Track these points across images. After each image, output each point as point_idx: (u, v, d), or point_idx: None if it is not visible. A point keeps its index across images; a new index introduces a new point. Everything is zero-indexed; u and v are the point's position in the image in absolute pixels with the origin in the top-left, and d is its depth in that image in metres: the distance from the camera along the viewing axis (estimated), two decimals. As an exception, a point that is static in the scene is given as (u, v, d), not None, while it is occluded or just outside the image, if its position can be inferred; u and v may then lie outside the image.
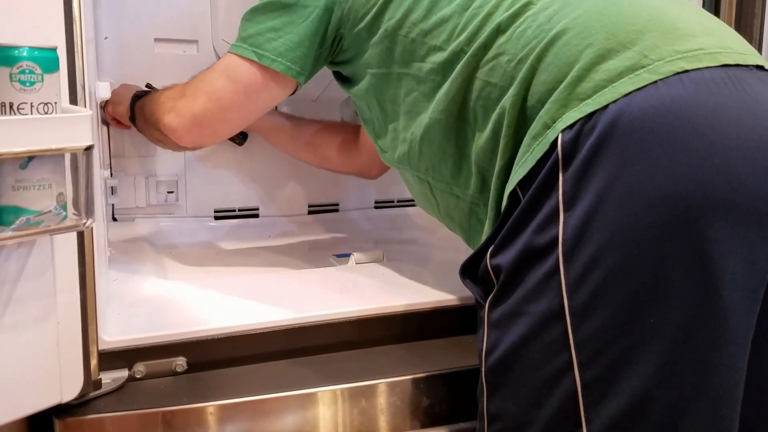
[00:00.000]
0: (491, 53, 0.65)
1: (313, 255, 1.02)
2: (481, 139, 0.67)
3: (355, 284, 0.86)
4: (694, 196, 0.53)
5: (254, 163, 1.15)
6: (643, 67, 0.56)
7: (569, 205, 0.55)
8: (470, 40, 0.67)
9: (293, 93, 0.83)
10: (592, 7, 0.61)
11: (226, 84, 0.79)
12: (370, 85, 0.79)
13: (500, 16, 0.66)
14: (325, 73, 1.13)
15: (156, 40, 1.06)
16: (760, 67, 0.59)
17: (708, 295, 0.53)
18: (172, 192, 1.10)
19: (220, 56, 1.07)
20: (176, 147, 0.86)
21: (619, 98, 0.55)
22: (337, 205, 1.21)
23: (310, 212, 1.19)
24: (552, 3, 0.64)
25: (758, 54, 0.62)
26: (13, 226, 0.49)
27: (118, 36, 1.04)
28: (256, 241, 1.08)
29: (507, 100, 0.63)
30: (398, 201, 1.25)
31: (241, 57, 0.78)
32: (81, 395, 0.63)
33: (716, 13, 1.04)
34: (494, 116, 0.65)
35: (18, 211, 0.49)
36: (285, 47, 0.77)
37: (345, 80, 0.85)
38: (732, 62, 0.57)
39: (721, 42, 0.59)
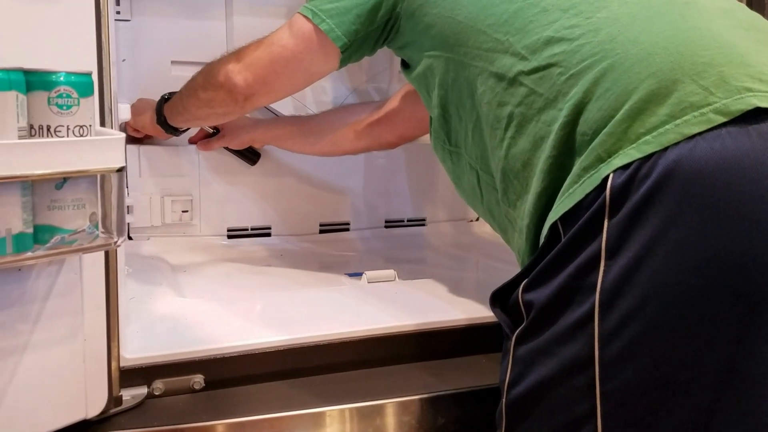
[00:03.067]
0: (542, 60, 0.62)
1: (325, 274, 1.03)
2: (514, 147, 0.64)
3: (368, 303, 0.87)
4: (743, 263, 0.51)
5: (266, 182, 1.16)
6: (708, 104, 0.53)
7: (611, 254, 0.53)
8: (519, 31, 0.65)
9: (338, 69, 0.84)
10: (659, 32, 0.58)
11: (283, 37, 0.82)
12: (425, 69, 0.78)
13: (557, 19, 0.62)
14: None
15: (173, 62, 1.08)
16: None
17: (744, 360, 0.52)
18: (186, 211, 1.11)
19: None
20: (226, 104, 0.86)
21: (681, 141, 0.52)
22: (348, 224, 1.23)
23: (321, 231, 1.21)
24: (616, 21, 0.59)
25: None
26: (48, 245, 0.50)
27: (135, 58, 1.06)
28: (268, 260, 1.09)
29: (555, 119, 0.60)
30: (408, 220, 1.27)
31: (302, 15, 0.81)
32: (103, 412, 0.63)
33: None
34: (534, 129, 0.62)
35: (53, 230, 0.51)
36: (336, 11, 0.79)
37: (406, 66, 0.86)
38: None
39: None
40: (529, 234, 0.65)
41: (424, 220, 1.27)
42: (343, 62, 0.83)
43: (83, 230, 0.51)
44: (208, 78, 0.87)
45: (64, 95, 0.50)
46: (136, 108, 1.01)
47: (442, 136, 0.80)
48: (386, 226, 1.25)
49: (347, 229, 1.22)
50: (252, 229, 1.16)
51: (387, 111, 1.06)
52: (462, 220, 1.31)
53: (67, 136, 0.50)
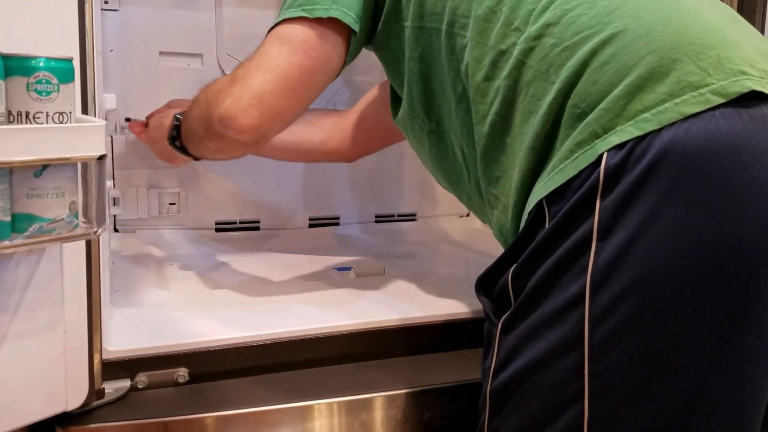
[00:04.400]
0: (533, 32, 0.60)
1: (313, 268, 1.02)
2: (500, 123, 0.63)
3: (356, 297, 0.86)
4: (736, 244, 0.51)
5: (256, 176, 1.15)
6: (707, 85, 0.53)
7: (604, 235, 0.53)
8: (512, 0, 0.63)
9: (344, 64, 0.75)
10: (657, 10, 0.57)
11: (282, 48, 0.71)
12: (403, 40, 0.74)
13: None
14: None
15: (161, 53, 1.07)
16: None
17: (733, 344, 0.53)
18: (174, 204, 1.10)
19: (225, 71, 1.08)
20: (237, 149, 0.75)
21: (677, 121, 0.52)
22: (338, 218, 1.22)
23: (310, 225, 1.20)
24: None
25: None
26: (26, 234, 0.49)
27: (123, 49, 1.05)
28: (256, 254, 1.08)
29: (545, 92, 0.59)
30: (398, 215, 1.26)
31: (291, 21, 0.71)
32: (84, 404, 0.63)
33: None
34: (522, 103, 0.61)
35: (31, 218, 0.50)
36: None
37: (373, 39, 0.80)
38: None
39: None
40: (515, 211, 0.63)
41: (414, 215, 1.27)
42: (352, 52, 0.75)
43: (62, 219, 0.50)
44: (206, 127, 0.74)
45: (44, 81, 0.49)
46: (155, 130, 0.90)
47: (421, 114, 0.76)
48: (376, 221, 1.25)
49: (337, 224, 1.22)
50: (240, 223, 1.15)
51: (346, 125, 1.01)
52: (453, 215, 1.30)
53: (47, 122, 0.49)
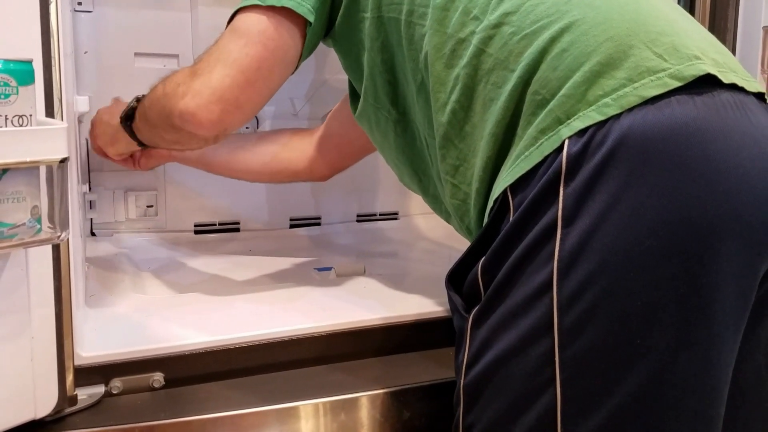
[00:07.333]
0: (492, 20, 0.61)
1: (294, 268, 1.02)
2: (461, 111, 0.63)
3: (335, 298, 0.86)
4: (696, 224, 0.52)
5: (235, 176, 1.14)
6: (663, 70, 0.54)
7: (568, 222, 0.54)
8: None
9: (302, 57, 0.74)
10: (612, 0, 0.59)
11: (239, 41, 0.70)
12: (363, 30, 0.73)
13: None
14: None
15: (136, 54, 1.06)
16: (759, 95, 0.59)
17: (697, 322, 0.53)
18: (151, 206, 1.09)
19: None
20: (196, 142, 0.76)
21: (635, 107, 0.53)
22: (319, 218, 1.21)
23: (291, 226, 1.19)
24: None
25: (755, 81, 0.61)
26: (-15, 239, 0.48)
27: (98, 50, 1.04)
28: (236, 256, 1.07)
29: (506, 80, 0.59)
30: (380, 214, 1.25)
31: (246, 10, 0.71)
32: (56, 411, 0.62)
33: (691, 8, 1.03)
34: (483, 91, 0.61)
35: (-9, 224, 0.49)
36: None
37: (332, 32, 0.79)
38: (740, 84, 0.57)
39: (727, 63, 0.58)
40: (478, 199, 0.64)
41: (396, 213, 1.27)
42: (308, 44, 0.75)
43: (23, 224, 0.49)
44: (165, 120, 0.74)
45: (2, 83, 0.48)
46: (100, 125, 0.92)
47: (386, 104, 0.76)
48: (358, 221, 1.24)
49: (318, 224, 1.21)
50: (220, 224, 1.14)
51: (316, 144, 1.00)
52: (434, 213, 1.30)
53: (5, 126, 0.48)
